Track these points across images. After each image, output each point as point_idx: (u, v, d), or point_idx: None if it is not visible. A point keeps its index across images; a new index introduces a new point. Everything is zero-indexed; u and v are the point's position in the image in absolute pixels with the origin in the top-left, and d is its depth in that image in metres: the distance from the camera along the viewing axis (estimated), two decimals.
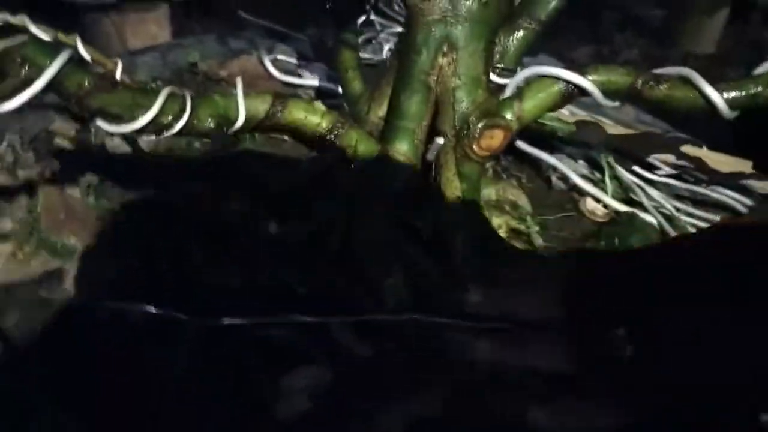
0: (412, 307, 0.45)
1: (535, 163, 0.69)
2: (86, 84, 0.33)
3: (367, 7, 0.65)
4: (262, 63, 0.79)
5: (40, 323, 0.44)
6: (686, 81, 0.46)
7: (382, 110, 0.53)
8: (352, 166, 0.47)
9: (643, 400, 0.38)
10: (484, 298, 0.48)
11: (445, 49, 0.48)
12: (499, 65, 0.56)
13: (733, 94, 0.45)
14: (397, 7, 0.99)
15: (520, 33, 0.57)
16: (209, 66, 0.77)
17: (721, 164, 0.69)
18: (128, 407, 0.37)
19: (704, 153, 0.71)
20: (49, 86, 0.32)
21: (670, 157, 0.70)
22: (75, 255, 0.50)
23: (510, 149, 0.68)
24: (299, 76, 0.79)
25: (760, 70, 0.46)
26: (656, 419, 0.37)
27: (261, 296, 0.45)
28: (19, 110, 0.32)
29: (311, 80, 0.78)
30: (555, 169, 0.67)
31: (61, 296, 0.46)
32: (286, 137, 0.71)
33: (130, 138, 0.63)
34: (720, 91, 0.45)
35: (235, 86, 0.77)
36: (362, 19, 0.84)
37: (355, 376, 0.40)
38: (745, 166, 0.69)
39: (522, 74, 0.50)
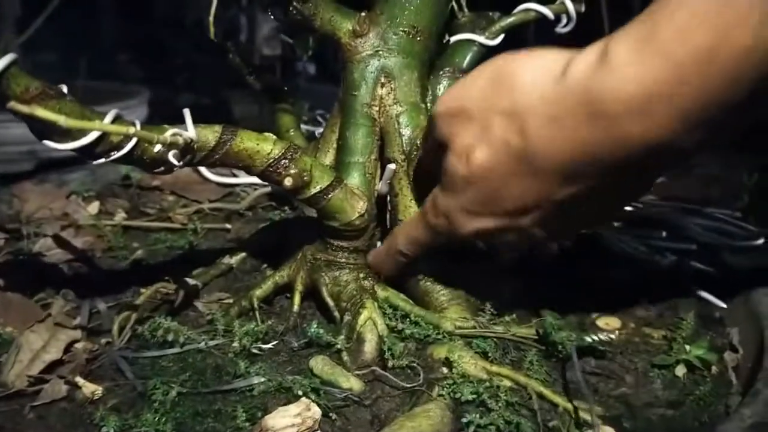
0: None
1: None
2: (32, 90, 0.32)
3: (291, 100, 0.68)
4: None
5: None
6: None
7: (328, 157, 0.54)
8: None
9: None
10: None
11: (382, 80, 0.50)
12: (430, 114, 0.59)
13: None
14: (320, 119, 1.04)
15: (446, 83, 0.61)
16: (141, 176, 0.76)
17: None
18: None
19: None
20: None
21: None
22: (12, 344, 0.45)
23: None
24: (234, 175, 0.79)
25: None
26: None
27: None
28: None
29: (247, 177, 0.78)
30: None
31: None
32: (228, 226, 0.69)
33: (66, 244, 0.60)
34: None
35: (170, 194, 0.76)
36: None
37: None
38: None
39: None
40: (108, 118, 0.35)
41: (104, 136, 0.36)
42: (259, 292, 0.52)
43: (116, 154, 0.36)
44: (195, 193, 0.76)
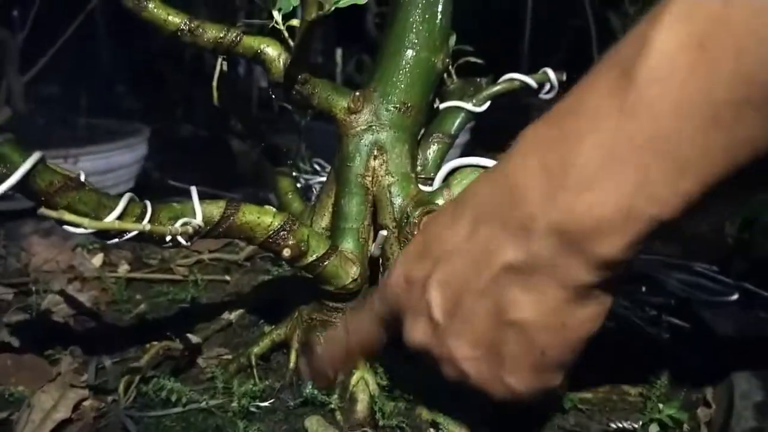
0: None
1: None
2: (56, 182, 0.35)
3: (290, 161, 0.71)
4: None
5: None
6: None
7: (324, 221, 0.57)
8: None
9: None
10: None
11: (375, 153, 0.54)
12: (421, 175, 0.62)
13: None
14: (317, 166, 1.07)
15: (435, 147, 0.65)
16: None
17: None
18: None
19: None
20: (20, 184, 0.34)
21: None
22: (23, 404, 0.48)
23: None
24: None
25: None
26: None
27: None
28: None
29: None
30: None
31: None
32: (227, 278, 0.72)
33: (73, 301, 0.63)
34: None
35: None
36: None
37: None
38: None
39: (444, 169, 0.56)
40: (122, 204, 0.39)
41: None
42: (256, 350, 0.55)
43: (128, 235, 0.39)
44: (195, 243, 0.79)
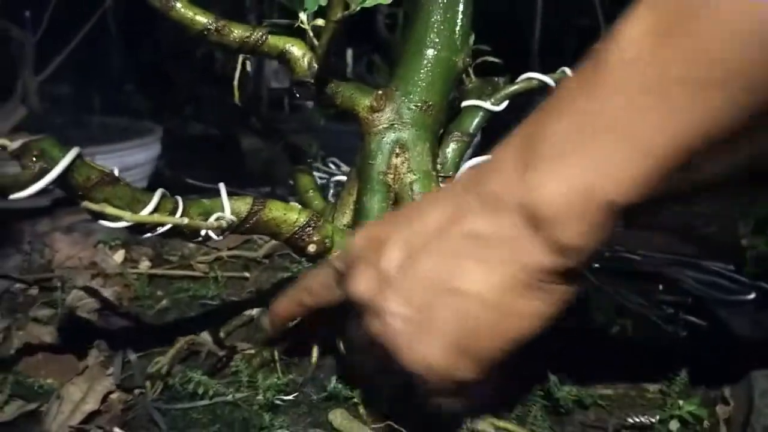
0: None
1: None
2: (93, 177, 0.36)
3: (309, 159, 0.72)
4: None
5: None
6: None
7: (345, 218, 0.58)
8: None
9: None
10: None
11: (397, 151, 0.55)
12: (441, 174, 0.63)
13: None
14: (332, 165, 1.08)
15: (454, 145, 0.65)
16: None
17: None
18: None
19: None
20: (59, 179, 0.34)
21: None
22: (52, 395, 0.49)
23: None
24: None
25: None
26: None
27: None
28: None
29: None
30: None
31: None
32: (247, 274, 0.73)
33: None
34: None
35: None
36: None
37: None
38: None
39: (464, 167, 0.57)
40: (155, 199, 0.40)
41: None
42: (280, 344, 0.56)
43: (162, 230, 0.40)
44: (214, 240, 0.79)
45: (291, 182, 0.90)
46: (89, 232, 0.74)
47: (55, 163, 0.34)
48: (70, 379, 0.50)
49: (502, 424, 0.46)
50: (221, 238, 0.43)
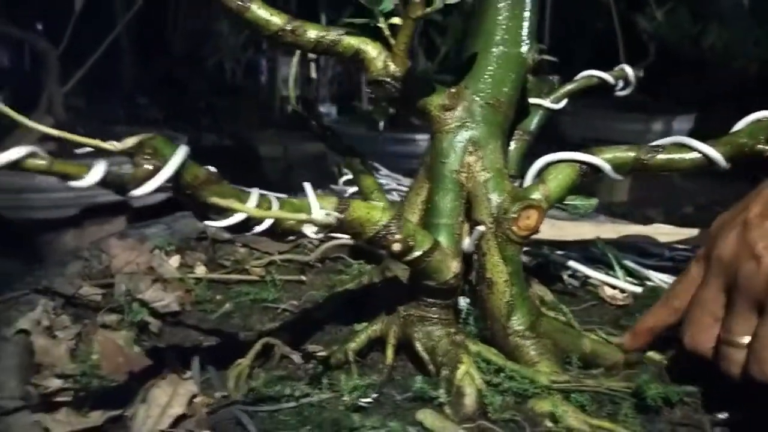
0: None
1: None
2: (200, 176, 0.36)
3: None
4: None
5: None
6: (681, 145, 0.54)
7: (414, 218, 0.57)
8: None
9: None
10: None
11: (470, 149, 0.55)
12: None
13: (724, 148, 0.53)
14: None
15: (515, 144, 0.65)
16: (216, 230, 0.79)
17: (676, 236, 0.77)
18: None
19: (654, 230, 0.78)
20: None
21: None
22: (136, 400, 0.48)
23: None
24: None
25: (738, 125, 0.54)
26: None
27: None
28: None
29: None
30: (565, 267, 0.72)
31: None
32: (303, 278, 0.73)
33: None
34: (714, 147, 0.53)
35: (242, 246, 0.80)
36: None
37: None
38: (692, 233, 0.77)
39: (537, 164, 0.56)
40: (254, 198, 0.39)
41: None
42: (353, 346, 0.55)
43: (258, 229, 0.40)
44: (265, 245, 0.79)
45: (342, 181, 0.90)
46: (142, 237, 0.74)
47: (167, 160, 0.34)
48: (151, 383, 0.49)
49: (596, 422, 0.46)
50: (320, 235, 0.43)
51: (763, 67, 2.84)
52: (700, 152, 0.53)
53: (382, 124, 1.35)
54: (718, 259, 0.47)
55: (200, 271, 0.72)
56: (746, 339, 0.44)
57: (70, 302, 0.60)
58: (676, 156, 0.54)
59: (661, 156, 0.54)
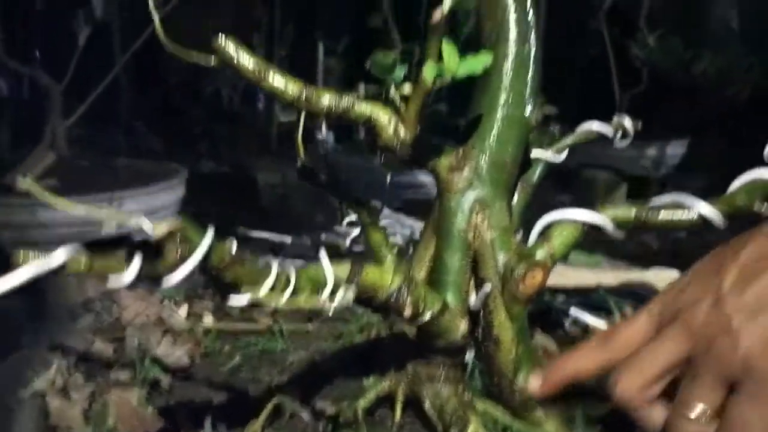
0: None
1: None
2: (225, 259, 0.37)
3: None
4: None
5: None
6: (679, 204, 0.56)
7: (422, 274, 0.59)
8: None
9: None
10: None
11: (477, 209, 0.56)
12: None
13: (722, 207, 0.54)
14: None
15: (519, 196, 0.67)
16: None
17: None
18: None
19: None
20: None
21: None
22: None
23: None
24: None
25: (734, 185, 0.56)
26: None
27: None
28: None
29: None
30: (566, 314, 0.74)
31: None
32: (310, 327, 0.74)
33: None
34: (713, 206, 0.54)
35: None
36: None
37: None
38: None
39: (541, 223, 0.58)
40: (273, 275, 0.41)
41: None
42: (362, 403, 0.56)
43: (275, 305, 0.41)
44: None
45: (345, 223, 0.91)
46: (152, 288, 0.75)
47: (195, 245, 0.35)
48: None
49: None
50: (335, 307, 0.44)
51: (755, 92, 2.88)
52: (699, 213, 0.54)
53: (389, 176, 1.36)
54: (684, 323, 0.41)
55: (208, 320, 0.73)
56: (701, 412, 0.40)
57: (82, 358, 0.61)
58: (675, 215, 0.55)
59: (661, 215, 0.55)
